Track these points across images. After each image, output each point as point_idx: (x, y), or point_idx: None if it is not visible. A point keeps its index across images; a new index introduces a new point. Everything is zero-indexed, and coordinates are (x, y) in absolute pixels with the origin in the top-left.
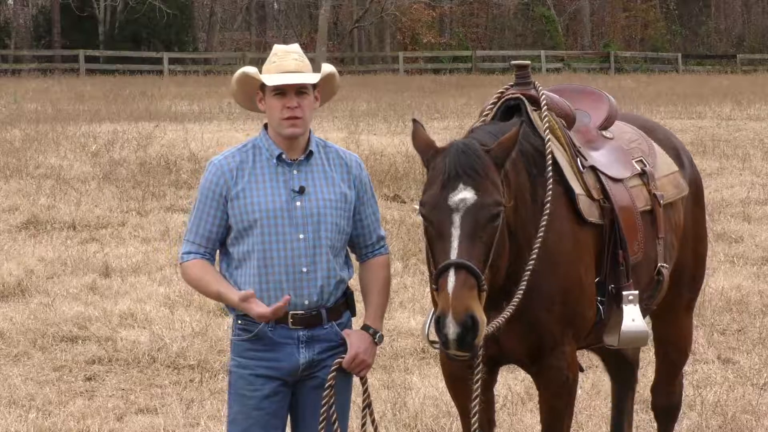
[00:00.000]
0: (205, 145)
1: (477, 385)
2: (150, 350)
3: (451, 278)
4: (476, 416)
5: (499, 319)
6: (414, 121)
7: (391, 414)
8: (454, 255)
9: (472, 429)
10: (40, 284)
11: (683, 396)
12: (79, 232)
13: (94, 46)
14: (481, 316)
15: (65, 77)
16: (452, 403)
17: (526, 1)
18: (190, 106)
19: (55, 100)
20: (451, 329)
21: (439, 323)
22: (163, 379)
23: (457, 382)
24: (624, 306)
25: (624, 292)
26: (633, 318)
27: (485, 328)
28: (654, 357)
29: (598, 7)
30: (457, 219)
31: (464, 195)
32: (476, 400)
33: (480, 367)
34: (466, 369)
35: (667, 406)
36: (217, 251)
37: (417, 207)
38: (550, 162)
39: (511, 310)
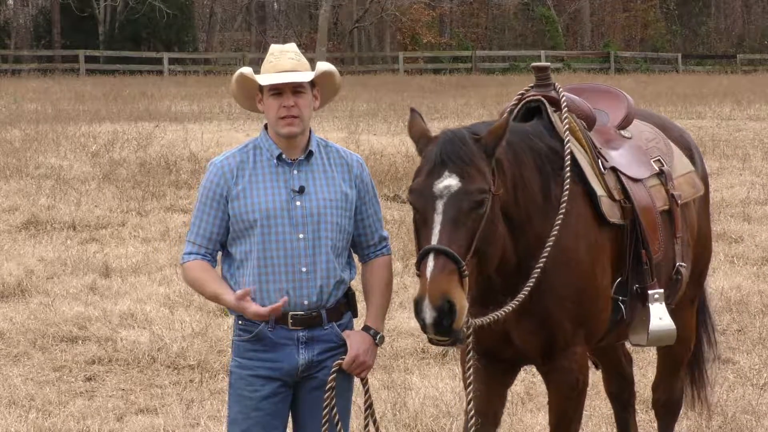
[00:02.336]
0: (205, 146)
1: (469, 372)
2: (150, 350)
3: (430, 263)
4: (471, 403)
5: (499, 312)
6: (412, 110)
7: (391, 414)
8: (434, 240)
9: (468, 417)
10: (40, 284)
11: (683, 396)
12: (79, 232)
13: (94, 46)
14: (460, 302)
15: (65, 77)
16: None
17: (526, 1)
18: (190, 106)
19: (55, 100)
20: (428, 313)
21: (417, 307)
22: (163, 379)
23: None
24: (650, 305)
25: (649, 291)
26: (660, 316)
27: (487, 317)
28: (654, 357)
29: (598, 7)
30: (440, 206)
31: (448, 182)
32: (470, 387)
33: (471, 354)
34: (486, 364)
35: (668, 402)
36: (219, 253)
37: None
38: (569, 162)
39: (513, 305)
